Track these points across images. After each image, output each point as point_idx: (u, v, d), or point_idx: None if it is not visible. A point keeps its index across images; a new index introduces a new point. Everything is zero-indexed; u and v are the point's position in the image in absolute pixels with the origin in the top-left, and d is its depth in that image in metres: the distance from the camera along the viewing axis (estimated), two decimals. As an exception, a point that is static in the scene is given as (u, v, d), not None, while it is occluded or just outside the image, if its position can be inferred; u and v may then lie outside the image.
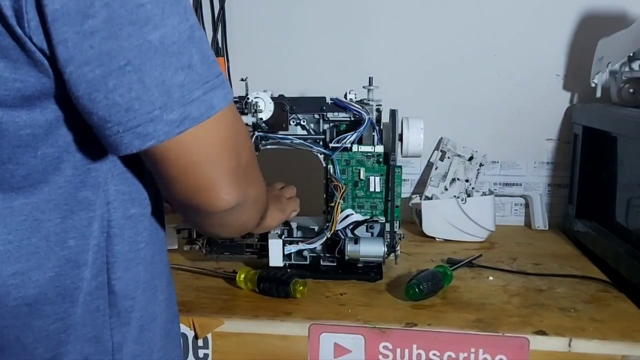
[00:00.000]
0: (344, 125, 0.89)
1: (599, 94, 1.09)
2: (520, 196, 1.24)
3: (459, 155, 1.19)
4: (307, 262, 0.90)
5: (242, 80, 0.89)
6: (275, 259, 0.86)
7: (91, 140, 0.45)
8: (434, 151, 1.22)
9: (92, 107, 0.41)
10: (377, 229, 0.87)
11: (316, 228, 0.89)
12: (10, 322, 0.46)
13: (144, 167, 0.50)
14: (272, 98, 0.87)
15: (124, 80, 0.40)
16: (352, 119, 0.87)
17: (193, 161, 0.44)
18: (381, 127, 0.88)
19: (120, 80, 0.40)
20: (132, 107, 0.41)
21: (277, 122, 0.87)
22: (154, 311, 0.54)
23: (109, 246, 0.48)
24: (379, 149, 0.87)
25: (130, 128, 0.41)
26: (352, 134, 0.86)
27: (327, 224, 0.86)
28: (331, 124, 0.89)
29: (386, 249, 0.84)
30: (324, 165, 0.89)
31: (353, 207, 0.89)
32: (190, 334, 0.77)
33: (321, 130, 0.89)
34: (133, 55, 0.40)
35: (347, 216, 0.88)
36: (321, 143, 0.89)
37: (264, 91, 0.87)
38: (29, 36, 0.39)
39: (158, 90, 0.41)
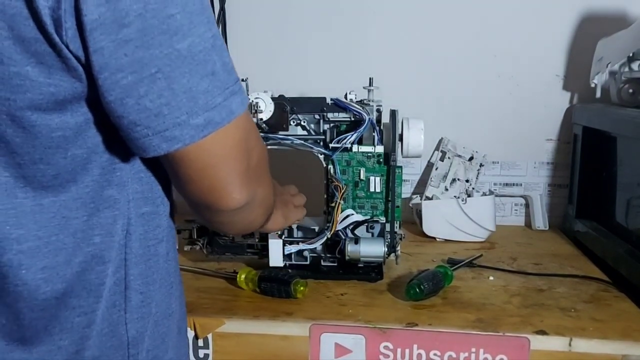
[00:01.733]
0: (344, 126, 0.89)
1: (598, 94, 1.09)
2: (521, 196, 1.24)
3: (459, 156, 1.19)
4: (308, 262, 0.90)
5: (242, 80, 0.89)
6: (276, 259, 0.86)
7: (117, 141, 0.47)
8: (434, 151, 1.22)
9: (123, 111, 0.43)
10: (377, 229, 0.87)
11: (316, 228, 0.90)
12: (39, 314, 0.48)
13: (156, 168, 0.52)
14: (272, 98, 0.87)
15: (155, 87, 0.43)
16: (353, 119, 0.87)
17: (210, 163, 0.47)
18: (381, 127, 0.88)
19: (151, 87, 0.43)
20: (162, 112, 0.43)
21: (278, 122, 0.87)
22: (170, 307, 0.56)
23: (128, 243, 0.50)
24: (379, 149, 0.87)
25: (159, 132, 0.44)
26: (353, 134, 0.86)
27: (328, 224, 0.86)
28: (331, 125, 0.89)
29: (386, 249, 0.84)
30: (325, 165, 0.89)
31: (353, 208, 0.89)
32: (191, 334, 0.77)
33: (321, 130, 0.89)
34: (163, 63, 0.42)
35: (348, 216, 0.88)
36: (321, 143, 0.89)
37: (264, 91, 0.87)
38: (65, 44, 0.41)
39: (185, 96, 0.43)
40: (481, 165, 1.20)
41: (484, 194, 1.14)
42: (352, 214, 0.88)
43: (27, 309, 0.47)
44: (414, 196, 1.20)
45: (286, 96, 0.89)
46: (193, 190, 0.49)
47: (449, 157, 1.19)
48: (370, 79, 0.89)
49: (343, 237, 0.86)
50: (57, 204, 0.47)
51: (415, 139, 0.88)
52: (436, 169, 1.18)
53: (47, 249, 0.47)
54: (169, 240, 0.55)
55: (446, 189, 1.17)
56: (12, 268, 0.46)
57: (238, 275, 0.85)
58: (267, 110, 0.86)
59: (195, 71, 0.43)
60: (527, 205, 1.24)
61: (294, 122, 0.89)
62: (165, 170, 0.51)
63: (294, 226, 0.89)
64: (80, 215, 0.48)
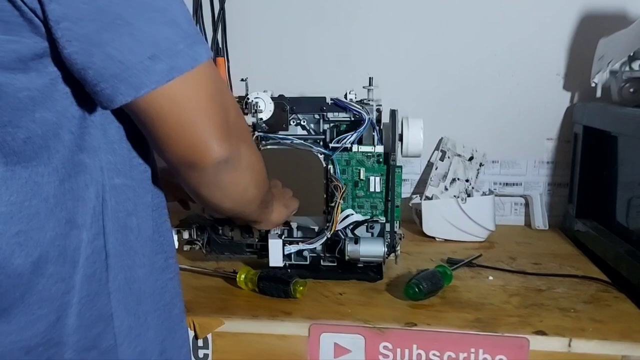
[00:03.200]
0: (344, 126, 0.89)
1: (599, 93, 1.09)
2: (520, 196, 1.24)
3: (459, 155, 1.19)
4: (307, 262, 0.90)
5: (242, 80, 0.89)
6: (275, 259, 0.86)
7: (86, 105, 0.48)
8: (434, 151, 1.22)
9: (87, 62, 0.44)
10: (377, 229, 0.87)
11: (316, 228, 0.89)
12: (15, 281, 0.48)
13: (130, 141, 0.52)
14: (272, 98, 0.87)
15: (117, 34, 0.43)
16: (352, 119, 0.87)
17: (184, 116, 0.47)
18: (381, 127, 0.88)
19: (112, 34, 0.43)
20: (126, 59, 0.44)
21: (277, 122, 0.87)
22: (152, 286, 0.55)
23: (105, 211, 0.51)
24: (379, 149, 0.87)
25: (124, 78, 0.44)
26: (352, 134, 0.86)
27: (327, 224, 0.86)
28: (331, 124, 0.89)
29: (386, 249, 0.84)
30: (324, 165, 0.89)
31: (353, 207, 0.89)
32: (190, 334, 0.77)
33: (321, 130, 0.89)
34: (123, 9, 0.43)
35: (347, 216, 0.88)
36: (321, 143, 0.89)
37: (264, 91, 0.87)
38: None
39: (148, 42, 0.44)
40: (481, 164, 1.20)
41: (484, 194, 1.14)
42: (352, 214, 0.88)
43: (3, 275, 0.47)
44: (414, 196, 1.20)
45: (286, 96, 0.88)
46: (172, 148, 0.49)
47: (448, 157, 1.19)
48: (370, 78, 0.89)
49: (343, 237, 0.86)
50: (29, 169, 0.47)
51: (415, 138, 0.87)
52: (436, 168, 1.18)
53: (20, 214, 0.47)
54: (140, 216, 0.54)
55: (446, 189, 1.17)
56: None
57: (237, 275, 0.85)
58: (267, 110, 0.86)
59: (154, 18, 0.44)
60: (526, 205, 1.24)
61: (293, 122, 0.89)
62: (141, 143, 0.52)
63: (294, 226, 0.89)
64: (52, 181, 0.48)
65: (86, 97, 0.47)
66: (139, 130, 0.51)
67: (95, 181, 0.50)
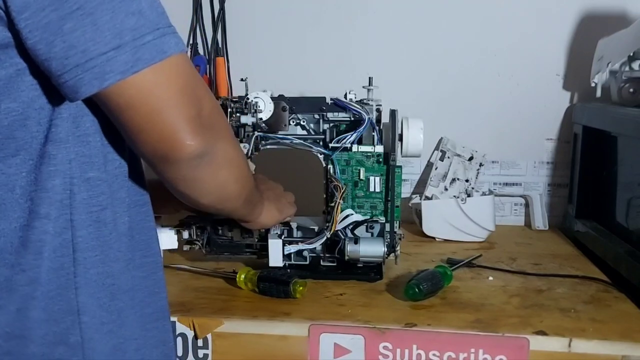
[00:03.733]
0: (344, 125, 0.89)
1: (599, 93, 1.09)
2: (520, 196, 1.24)
3: (458, 155, 1.19)
4: (307, 262, 0.90)
5: (242, 80, 0.89)
6: (275, 259, 0.86)
7: (54, 97, 0.47)
8: (434, 151, 1.22)
9: (49, 52, 0.43)
10: (377, 229, 0.87)
11: (316, 228, 0.89)
12: None
13: (105, 134, 0.52)
14: (272, 98, 0.87)
15: (78, 24, 0.43)
16: (352, 119, 0.87)
17: (154, 108, 0.47)
18: (381, 127, 0.88)
19: (74, 24, 0.43)
20: (88, 49, 0.43)
21: (277, 122, 0.87)
22: (127, 283, 0.55)
23: (73, 204, 0.50)
24: (379, 149, 0.87)
25: (88, 69, 0.44)
26: (352, 134, 0.86)
27: (327, 224, 0.86)
28: (331, 124, 0.89)
29: (386, 249, 0.84)
30: (324, 165, 0.89)
31: (353, 207, 0.89)
32: (190, 334, 0.76)
33: (321, 130, 0.89)
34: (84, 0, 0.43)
35: (347, 216, 0.88)
36: (321, 143, 0.89)
37: (264, 91, 0.87)
38: None
39: (110, 32, 0.44)
40: (481, 164, 1.20)
41: (484, 194, 1.13)
42: (352, 214, 0.88)
43: None
44: (414, 196, 1.20)
45: (286, 96, 0.88)
46: (144, 140, 0.48)
47: (448, 157, 1.19)
48: (369, 78, 0.89)
49: (342, 237, 0.86)
50: None
51: (415, 138, 0.87)
52: (436, 168, 1.18)
53: None
54: (115, 211, 0.53)
55: (446, 189, 1.16)
56: None
57: (237, 275, 0.85)
58: (266, 110, 0.86)
59: (118, 8, 0.44)
60: (526, 205, 1.24)
61: (293, 122, 0.89)
62: (117, 138, 0.52)
63: (294, 226, 0.89)
64: (19, 172, 0.48)
65: (55, 88, 0.47)
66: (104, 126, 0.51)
67: (63, 173, 0.49)
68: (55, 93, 0.47)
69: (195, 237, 0.89)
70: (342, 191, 0.86)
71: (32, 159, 0.48)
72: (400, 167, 0.88)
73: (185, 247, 0.90)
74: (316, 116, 0.88)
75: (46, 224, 0.49)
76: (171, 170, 0.52)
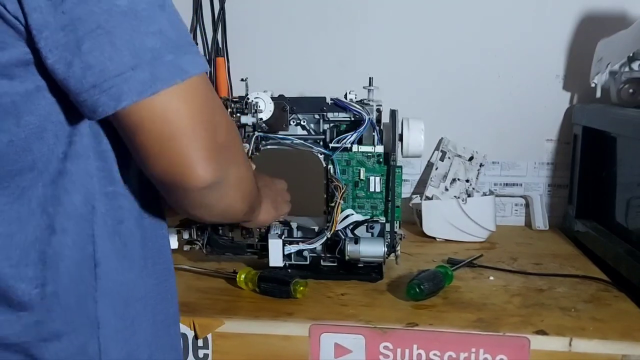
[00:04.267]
0: (344, 126, 0.89)
1: (598, 94, 1.09)
2: (521, 196, 1.24)
3: (459, 156, 1.19)
4: (308, 262, 0.90)
5: (242, 80, 0.89)
6: (276, 259, 0.86)
7: (73, 113, 0.47)
8: (434, 151, 1.22)
9: (68, 72, 0.43)
10: (377, 229, 0.87)
11: (316, 228, 0.89)
12: None
13: (124, 149, 0.51)
14: (272, 98, 0.87)
15: (97, 43, 0.42)
16: (352, 119, 0.87)
17: (166, 132, 0.45)
18: (381, 127, 0.88)
19: (92, 44, 0.42)
20: (106, 68, 0.43)
21: (277, 122, 0.87)
22: (140, 291, 0.55)
23: (94, 218, 0.50)
24: (379, 149, 0.87)
25: (105, 89, 0.43)
26: (352, 134, 0.86)
27: (328, 224, 0.86)
28: (331, 124, 0.89)
29: (386, 249, 0.84)
30: (324, 165, 0.89)
31: (353, 207, 0.89)
32: (190, 334, 0.76)
33: (321, 130, 0.89)
34: (103, 19, 0.42)
35: (348, 216, 0.88)
36: (321, 143, 0.89)
37: (264, 91, 0.87)
38: (2, 4, 0.41)
39: (129, 52, 0.43)
40: (481, 165, 1.20)
41: (484, 194, 1.14)
42: (352, 214, 0.88)
43: None
44: (414, 196, 1.20)
45: (286, 96, 0.89)
46: (154, 164, 0.47)
47: (449, 157, 1.19)
48: (370, 78, 0.89)
49: (343, 237, 0.86)
50: (13, 173, 0.46)
51: (415, 139, 0.87)
52: (436, 168, 1.18)
53: (1, 217, 0.46)
54: (132, 223, 0.53)
55: (446, 189, 1.17)
56: None
57: (238, 275, 0.85)
58: (267, 110, 0.86)
59: (138, 27, 0.43)
60: (527, 205, 1.24)
61: (293, 122, 0.89)
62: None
63: (294, 226, 0.89)
64: (35, 185, 0.47)
65: (74, 105, 0.46)
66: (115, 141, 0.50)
67: (84, 188, 0.49)
68: (74, 110, 0.46)
69: (195, 237, 0.89)
70: (343, 191, 0.86)
71: (49, 173, 0.47)
72: (400, 167, 0.88)
73: (186, 247, 0.90)
74: (316, 116, 0.88)
75: (65, 238, 0.48)
76: (179, 195, 0.50)
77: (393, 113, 0.88)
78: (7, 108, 0.45)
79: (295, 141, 0.87)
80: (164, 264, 0.59)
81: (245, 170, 0.56)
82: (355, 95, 0.88)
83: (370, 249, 0.84)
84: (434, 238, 1.12)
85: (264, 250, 0.89)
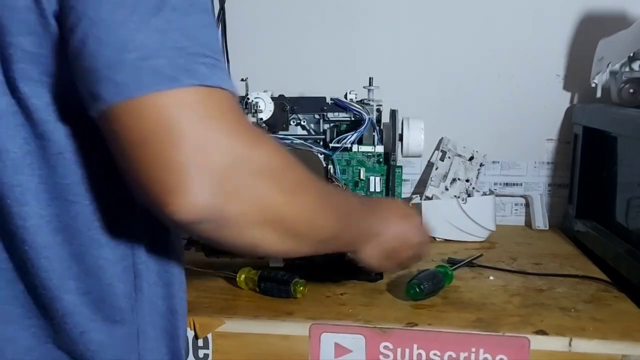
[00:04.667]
0: (345, 126, 0.89)
1: (599, 94, 1.09)
2: (521, 196, 1.24)
3: (459, 155, 1.19)
4: (308, 262, 0.90)
5: (242, 80, 0.89)
6: (276, 259, 0.86)
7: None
8: (434, 151, 1.22)
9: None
10: (377, 229, 0.87)
11: (316, 228, 0.89)
12: (41, 292, 0.47)
13: None
14: (272, 98, 0.87)
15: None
16: (353, 119, 0.87)
17: (155, 134, 0.38)
18: (381, 127, 0.88)
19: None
20: (98, 62, 0.39)
21: (277, 122, 0.87)
22: (176, 304, 0.55)
23: (135, 231, 0.49)
24: (379, 149, 0.87)
25: (104, 83, 0.39)
26: (353, 134, 0.87)
27: (328, 224, 0.86)
28: (331, 124, 0.89)
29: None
30: (324, 165, 0.89)
31: (353, 207, 0.89)
32: (190, 334, 0.77)
33: (321, 130, 0.89)
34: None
35: (348, 216, 0.88)
36: (321, 143, 0.89)
37: (264, 91, 0.87)
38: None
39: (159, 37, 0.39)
40: (481, 165, 1.20)
41: (484, 194, 1.14)
42: (352, 214, 0.88)
43: (30, 285, 0.47)
44: (414, 196, 1.20)
45: (286, 96, 0.89)
46: (134, 174, 0.39)
47: (449, 157, 1.19)
48: (370, 78, 0.89)
49: (343, 237, 0.86)
50: (61, 186, 0.46)
51: (415, 138, 0.87)
52: (436, 168, 1.18)
53: (47, 228, 0.46)
54: (169, 232, 0.53)
55: (446, 189, 1.17)
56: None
57: (238, 275, 0.85)
58: (267, 110, 0.86)
59: (178, 23, 0.40)
60: (527, 205, 1.24)
61: (293, 122, 0.89)
62: None
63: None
64: (82, 200, 0.46)
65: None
66: None
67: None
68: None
69: (196, 237, 0.89)
70: (343, 191, 0.86)
71: (96, 184, 0.47)
72: (400, 167, 0.88)
73: (186, 247, 0.90)
74: (316, 116, 0.88)
75: (107, 252, 0.48)
76: (171, 218, 0.40)
77: (393, 113, 0.88)
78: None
79: (295, 141, 0.87)
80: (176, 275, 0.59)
81: (282, 206, 0.45)
82: (356, 95, 0.88)
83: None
84: (434, 238, 1.12)
85: (264, 250, 0.88)
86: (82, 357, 0.49)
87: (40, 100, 0.44)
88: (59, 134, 0.45)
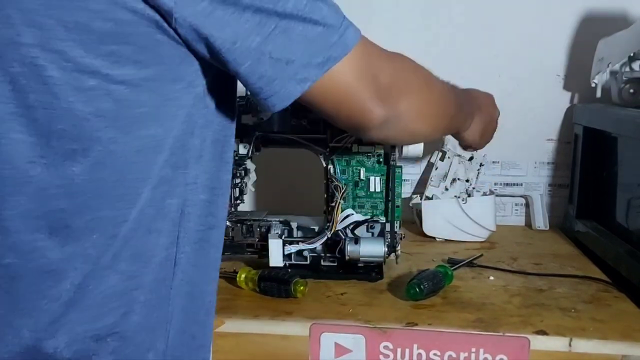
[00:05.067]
0: (345, 125, 0.89)
1: (599, 94, 1.09)
2: (521, 196, 1.24)
3: (459, 155, 1.19)
4: (308, 262, 0.90)
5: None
6: (276, 259, 0.86)
7: (190, 125, 0.52)
8: (434, 151, 1.22)
9: (262, 70, 0.50)
10: (377, 229, 0.87)
11: (316, 228, 0.89)
12: (90, 273, 0.50)
13: (220, 162, 0.57)
14: (273, 98, 0.86)
15: (278, 41, 0.49)
16: (353, 119, 0.87)
17: (340, 96, 0.55)
18: (382, 127, 0.88)
19: (275, 42, 0.49)
20: (290, 60, 0.50)
21: (278, 122, 0.87)
22: (205, 300, 0.59)
23: (182, 223, 0.54)
24: (379, 149, 0.87)
25: (291, 77, 0.51)
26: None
27: (328, 224, 0.86)
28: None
29: (386, 249, 0.84)
30: (324, 165, 0.89)
31: (353, 207, 0.89)
32: (191, 334, 0.76)
33: (321, 130, 0.89)
34: (278, 19, 0.49)
35: (348, 216, 0.88)
36: (321, 143, 0.89)
37: (265, 91, 0.86)
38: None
39: (304, 43, 0.50)
40: (481, 165, 1.20)
41: (484, 194, 1.14)
42: (352, 214, 0.88)
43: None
44: (414, 196, 1.20)
45: (286, 96, 0.88)
46: (338, 121, 0.59)
47: (449, 157, 1.19)
48: (370, 78, 0.89)
49: (343, 237, 0.86)
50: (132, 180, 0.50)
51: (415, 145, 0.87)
52: (436, 168, 1.18)
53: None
54: (219, 229, 0.59)
55: (446, 189, 1.16)
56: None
57: (238, 275, 0.85)
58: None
59: (307, 20, 0.50)
60: (527, 205, 1.24)
61: (294, 122, 0.89)
62: (228, 161, 0.58)
63: (294, 226, 0.89)
64: (137, 188, 0.50)
65: (194, 117, 0.52)
66: (229, 149, 0.57)
67: (178, 194, 0.52)
68: (192, 121, 0.52)
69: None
70: (343, 191, 0.86)
71: (150, 177, 0.50)
72: (400, 167, 0.88)
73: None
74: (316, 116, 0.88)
75: (160, 238, 0.52)
76: (368, 135, 0.62)
77: (393, 113, 0.88)
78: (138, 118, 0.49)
79: (295, 141, 0.87)
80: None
81: (421, 103, 0.64)
82: (356, 95, 0.88)
83: (371, 248, 0.84)
84: (434, 238, 1.12)
85: (264, 250, 0.89)
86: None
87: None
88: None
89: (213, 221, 0.57)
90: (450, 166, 1.18)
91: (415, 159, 0.97)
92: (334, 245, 0.87)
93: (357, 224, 0.87)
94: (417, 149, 0.88)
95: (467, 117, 0.82)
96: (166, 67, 0.48)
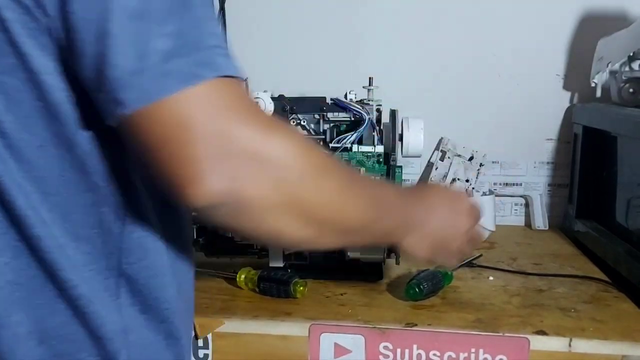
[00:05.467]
0: (344, 126, 0.89)
1: (599, 93, 1.09)
2: (521, 196, 1.24)
3: (459, 155, 1.19)
4: (307, 262, 0.90)
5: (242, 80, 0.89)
6: (276, 259, 0.86)
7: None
8: (434, 151, 1.22)
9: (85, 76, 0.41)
10: (377, 229, 0.87)
11: (316, 228, 0.89)
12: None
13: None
14: (272, 98, 0.87)
15: (104, 47, 0.39)
16: (353, 119, 0.87)
17: (167, 137, 0.39)
18: (381, 127, 0.88)
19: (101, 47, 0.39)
20: (110, 74, 0.40)
21: (277, 122, 0.87)
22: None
23: (124, 232, 0.48)
24: (379, 149, 0.87)
25: (111, 95, 0.40)
26: (353, 134, 0.86)
27: (327, 224, 0.86)
28: (331, 124, 0.89)
29: (386, 249, 0.84)
30: (324, 165, 0.88)
31: (353, 207, 0.89)
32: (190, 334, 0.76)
33: (321, 130, 0.89)
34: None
35: (347, 216, 0.88)
36: (321, 143, 0.89)
37: (264, 91, 0.87)
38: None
39: (134, 55, 0.39)
40: (481, 164, 1.20)
41: (484, 194, 1.14)
42: (352, 214, 0.88)
43: None
44: (414, 196, 1.20)
45: (286, 96, 0.88)
46: (155, 171, 0.41)
47: (448, 157, 1.19)
48: (370, 78, 0.89)
49: (343, 237, 0.86)
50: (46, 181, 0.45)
51: (415, 138, 0.87)
52: (436, 168, 1.18)
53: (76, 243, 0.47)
54: (171, 237, 0.53)
55: (446, 189, 1.16)
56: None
57: (238, 275, 0.85)
58: (267, 110, 0.86)
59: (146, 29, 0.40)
60: (527, 205, 1.24)
61: (294, 122, 0.89)
62: None
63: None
64: (64, 192, 0.46)
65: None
66: None
67: (114, 204, 0.49)
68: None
69: (195, 238, 0.89)
70: (343, 191, 0.86)
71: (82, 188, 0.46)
72: (400, 167, 0.88)
73: (186, 247, 0.90)
74: (316, 116, 0.88)
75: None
76: (191, 206, 0.42)
77: (393, 113, 0.88)
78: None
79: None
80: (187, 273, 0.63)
81: (309, 188, 0.44)
82: (355, 95, 0.88)
83: (370, 249, 0.84)
84: (434, 238, 1.11)
85: (264, 250, 0.89)
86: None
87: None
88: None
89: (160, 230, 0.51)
90: (450, 166, 1.18)
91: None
92: (334, 245, 0.87)
93: (357, 224, 0.87)
94: (417, 147, 0.87)
95: (401, 226, 0.57)
96: None
